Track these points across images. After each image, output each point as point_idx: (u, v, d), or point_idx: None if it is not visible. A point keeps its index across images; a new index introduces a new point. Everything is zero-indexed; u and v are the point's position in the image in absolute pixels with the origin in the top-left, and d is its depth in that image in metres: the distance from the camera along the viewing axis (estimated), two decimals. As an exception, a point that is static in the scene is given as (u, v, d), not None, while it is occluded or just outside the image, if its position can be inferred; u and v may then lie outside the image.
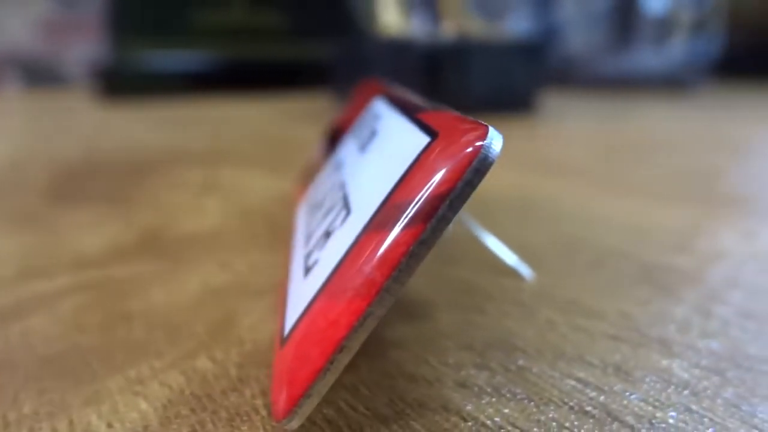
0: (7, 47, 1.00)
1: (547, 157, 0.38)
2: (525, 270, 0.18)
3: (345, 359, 0.10)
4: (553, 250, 0.20)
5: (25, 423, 0.11)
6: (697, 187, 0.29)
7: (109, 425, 0.11)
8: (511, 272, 0.18)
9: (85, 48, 1.04)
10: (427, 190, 0.10)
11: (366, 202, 0.12)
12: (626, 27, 1.04)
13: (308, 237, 0.15)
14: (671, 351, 0.13)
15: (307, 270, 0.13)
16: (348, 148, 0.18)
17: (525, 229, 0.23)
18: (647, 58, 1.03)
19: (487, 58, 0.58)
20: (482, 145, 0.09)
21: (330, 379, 0.10)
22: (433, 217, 0.10)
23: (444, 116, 0.12)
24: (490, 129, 0.10)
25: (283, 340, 0.12)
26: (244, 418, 0.11)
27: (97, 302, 0.17)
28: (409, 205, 0.10)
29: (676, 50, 1.04)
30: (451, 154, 0.10)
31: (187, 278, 0.18)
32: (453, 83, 0.57)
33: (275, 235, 0.22)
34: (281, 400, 0.11)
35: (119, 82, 0.82)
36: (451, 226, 0.16)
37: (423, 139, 0.11)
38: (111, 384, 0.12)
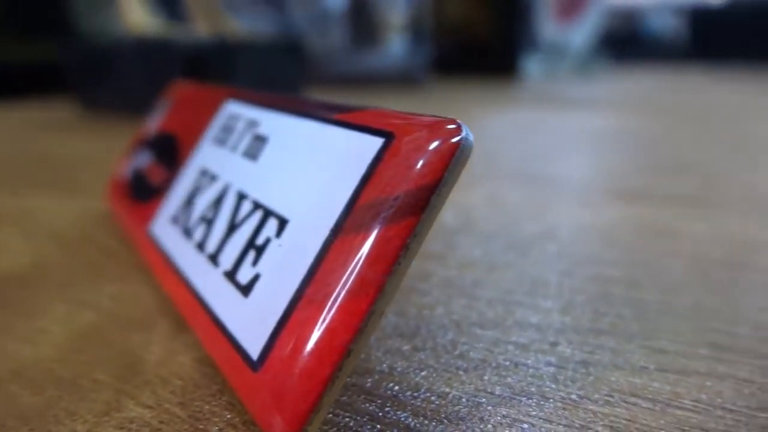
0: None
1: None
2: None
3: (351, 364, 0.10)
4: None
5: None
6: (481, 169, 0.34)
7: None
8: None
9: None
10: (411, 185, 0.10)
11: (313, 209, 0.12)
12: (358, 29, 1.13)
13: (212, 256, 0.14)
14: (561, 304, 0.16)
15: (245, 288, 0.12)
16: (214, 157, 0.17)
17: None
18: (376, 57, 1.13)
19: (252, 57, 0.57)
20: (461, 136, 0.10)
21: (338, 386, 0.10)
22: (425, 209, 0.10)
23: (383, 115, 0.12)
24: (462, 123, 0.11)
25: (255, 363, 0.11)
26: (229, 455, 0.10)
27: (-69, 377, 0.13)
28: (388, 201, 0.10)
29: (396, 50, 1.16)
30: (425, 148, 0.11)
31: (42, 325, 0.15)
32: (217, 83, 0.55)
33: (116, 260, 0.20)
34: (278, 423, 0.10)
35: None
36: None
37: (374, 140, 0.12)
38: (33, 464, 0.10)
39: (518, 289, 0.17)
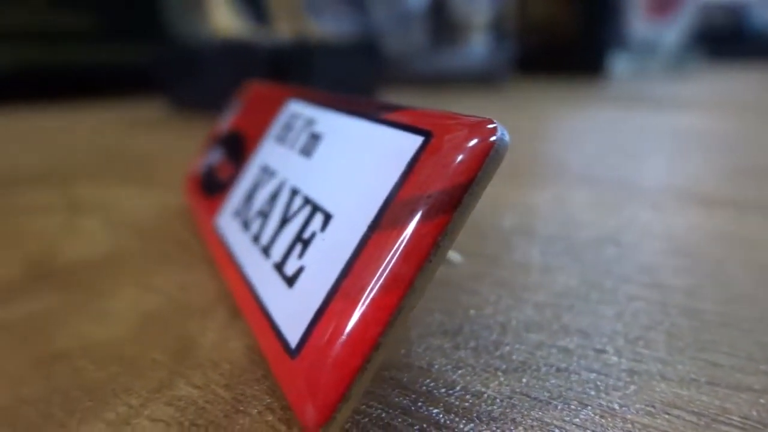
0: None
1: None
2: (455, 255, 0.19)
3: (380, 357, 0.10)
4: (465, 235, 0.22)
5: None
6: (551, 170, 0.33)
7: (116, 474, 0.10)
8: (441, 260, 0.19)
9: None
10: (446, 183, 0.10)
11: (355, 204, 0.12)
12: (438, 29, 1.13)
13: (265, 248, 0.15)
14: (614, 311, 0.16)
15: (290, 280, 0.13)
16: (274, 154, 0.18)
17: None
18: (456, 57, 1.12)
19: (330, 58, 0.59)
20: (497, 136, 0.10)
21: (367, 378, 0.10)
22: (457, 207, 0.10)
23: (425, 114, 0.12)
24: (497, 122, 0.11)
25: (293, 351, 0.11)
26: (265, 436, 0.11)
27: (16, 345, 0.14)
28: (423, 199, 0.11)
29: (477, 50, 1.15)
30: (461, 147, 0.11)
31: (112, 306, 0.16)
32: (299, 84, 0.57)
33: (187, 251, 0.21)
34: (309, 410, 0.11)
35: None
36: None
37: (414, 139, 0.12)
38: (91, 431, 0.11)
39: (571, 293, 0.17)
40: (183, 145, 0.44)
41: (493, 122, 0.11)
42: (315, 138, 0.16)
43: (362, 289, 0.11)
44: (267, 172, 0.18)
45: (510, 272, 0.18)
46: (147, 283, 0.18)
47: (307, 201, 0.14)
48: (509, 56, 1.14)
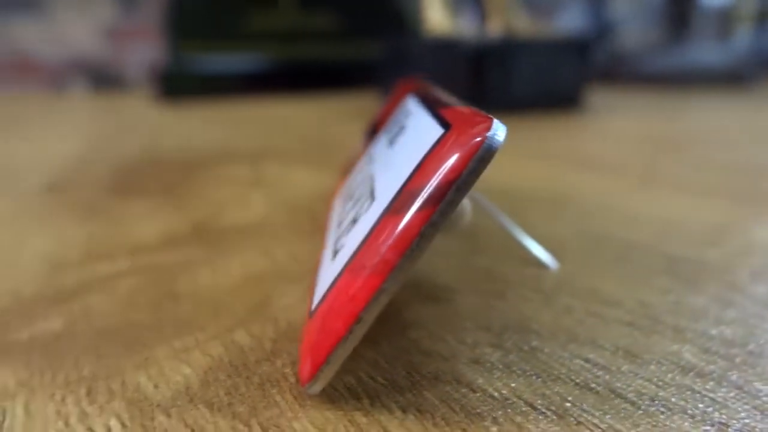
0: (73, 53, 1.06)
1: (586, 154, 0.38)
2: (549, 260, 0.19)
3: (361, 330, 0.11)
4: (579, 242, 0.21)
5: (83, 383, 0.13)
6: (737, 183, 0.29)
7: (156, 386, 0.13)
8: (535, 262, 0.19)
9: (145, 52, 1.10)
10: (438, 177, 0.11)
11: (387, 190, 0.13)
12: (682, 21, 1.02)
13: (339, 224, 0.16)
14: (683, 337, 0.14)
15: (335, 253, 0.14)
16: (380, 144, 0.20)
17: (555, 223, 0.23)
18: (704, 52, 1.00)
19: (532, 56, 0.58)
20: (486, 135, 0.10)
21: (348, 348, 0.11)
22: (441, 201, 0.11)
23: (461, 111, 0.13)
24: (495, 121, 0.11)
25: (311, 314, 0.13)
26: (273, 383, 0.13)
27: (150, 283, 0.18)
28: (422, 191, 0.11)
29: (738, 44, 1.01)
30: (460, 143, 0.11)
31: (231, 264, 0.20)
32: (498, 82, 0.57)
33: (315, 227, 0.23)
34: (306, 367, 0.12)
35: (177, 85, 0.86)
36: (470, 214, 0.17)
37: (438, 131, 0.12)
38: (159, 352, 0.14)
39: (648, 315, 0.15)
40: (373, 135, 0.48)
41: (490, 122, 0.11)
42: (401, 130, 0.17)
43: (362, 268, 0.12)
44: (370, 159, 0.19)
45: (595, 284, 0.17)
46: (267, 250, 0.21)
47: (371, 186, 0.15)
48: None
